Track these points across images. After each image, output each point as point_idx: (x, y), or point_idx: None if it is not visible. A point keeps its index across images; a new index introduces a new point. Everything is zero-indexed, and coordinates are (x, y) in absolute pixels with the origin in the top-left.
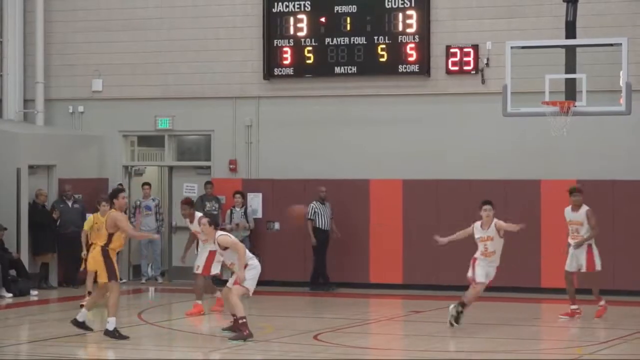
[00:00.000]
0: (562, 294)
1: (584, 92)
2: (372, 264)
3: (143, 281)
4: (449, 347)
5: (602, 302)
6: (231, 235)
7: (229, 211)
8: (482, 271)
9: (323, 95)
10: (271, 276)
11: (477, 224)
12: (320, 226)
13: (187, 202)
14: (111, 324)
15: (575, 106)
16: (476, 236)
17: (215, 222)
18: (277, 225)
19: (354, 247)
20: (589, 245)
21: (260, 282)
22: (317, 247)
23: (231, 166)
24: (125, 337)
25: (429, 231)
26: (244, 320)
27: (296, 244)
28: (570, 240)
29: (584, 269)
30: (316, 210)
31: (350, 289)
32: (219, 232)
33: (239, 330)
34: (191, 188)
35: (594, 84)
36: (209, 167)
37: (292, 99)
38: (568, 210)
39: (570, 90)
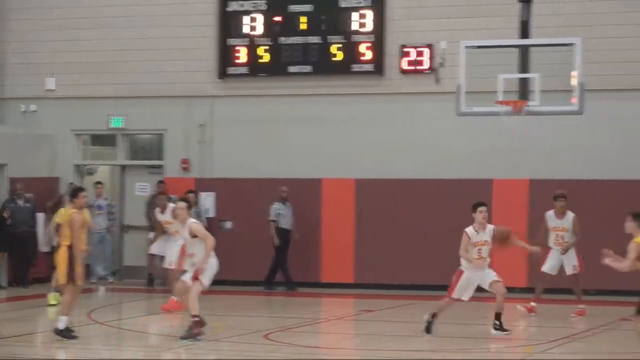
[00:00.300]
0: (511, 292)
1: (537, 92)
2: (324, 263)
3: (93, 280)
4: (400, 346)
5: (582, 305)
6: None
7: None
8: (464, 283)
9: (277, 94)
10: (223, 275)
11: (470, 229)
12: (283, 226)
13: (164, 193)
14: (62, 323)
15: (529, 106)
16: (472, 241)
17: (191, 207)
18: (229, 225)
19: (306, 246)
20: (576, 248)
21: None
22: (279, 247)
23: (184, 165)
24: (74, 337)
25: (381, 230)
26: (197, 319)
27: (248, 243)
28: (552, 245)
29: (577, 270)
30: (279, 211)
31: (302, 288)
32: (192, 219)
33: (190, 328)
34: (143, 187)
35: (548, 83)
36: (161, 167)
37: (246, 98)
38: (551, 215)
39: (524, 89)
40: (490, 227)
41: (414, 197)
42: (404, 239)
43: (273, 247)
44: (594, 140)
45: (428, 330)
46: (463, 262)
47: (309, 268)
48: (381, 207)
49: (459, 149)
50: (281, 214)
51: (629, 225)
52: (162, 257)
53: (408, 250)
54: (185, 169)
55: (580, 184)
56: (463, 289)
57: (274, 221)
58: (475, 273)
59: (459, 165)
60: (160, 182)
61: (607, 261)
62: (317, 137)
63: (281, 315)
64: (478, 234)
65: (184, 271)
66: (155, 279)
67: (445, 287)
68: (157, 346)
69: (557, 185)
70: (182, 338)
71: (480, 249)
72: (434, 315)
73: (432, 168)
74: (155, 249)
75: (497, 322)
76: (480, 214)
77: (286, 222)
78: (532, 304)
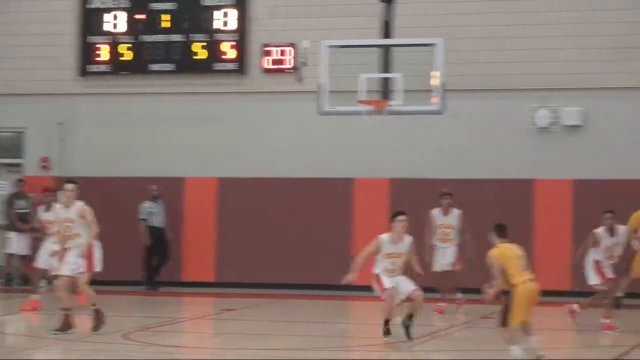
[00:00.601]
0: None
1: (399, 91)
2: (185, 262)
3: None
4: (259, 345)
5: (444, 304)
6: None
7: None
8: (388, 279)
9: (140, 92)
10: None
11: (386, 236)
12: (155, 224)
13: (50, 190)
14: None
15: (390, 105)
16: (385, 251)
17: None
18: None
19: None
20: (456, 246)
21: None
22: (152, 246)
23: (43, 164)
24: None
25: (243, 229)
26: (96, 307)
27: (111, 242)
28: (438, 242)
29: (453, 268)
30: (150, 209)
31: (162, 287)
32: (81, 202)
33: (96, 319)
34: (2, 186)
35: (410, 83)
36: (20, 165)
37: (108, 96)
38: (437, 213)
39: (386, 89)
40: (408, 239)
41: (277, 196)
42: (266, 237)
43: (143, 246)
44: (454, 140)
45: (387, 332)
46: (377, 266)
47: (170, 267)
48: (244, 206)
49: (321, 148)
50: (153, 212)
51: (491, 236)
52: (21, 257)
53: (270, 248)
54: (45, 168)
55: (440, 184)
56: (391, 280)
57: (143, 220)
58: (391, 278)
59: (321, 164)
60: (20, 180)
61: (489, 297)
62: (180, 135)
63: (141, 314)
64: (394, 245)
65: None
66: (14, 279)
67: (306, 286)
68: (13, 346)
69: (416, 184)
70: (95, 330)
71: (394, 261)
72: (387, 322)
73: (295, 167)
74: (45, 251)
75: (387, 327)
76: (399, 223)
77: (158, 220)
78: (441, 304)
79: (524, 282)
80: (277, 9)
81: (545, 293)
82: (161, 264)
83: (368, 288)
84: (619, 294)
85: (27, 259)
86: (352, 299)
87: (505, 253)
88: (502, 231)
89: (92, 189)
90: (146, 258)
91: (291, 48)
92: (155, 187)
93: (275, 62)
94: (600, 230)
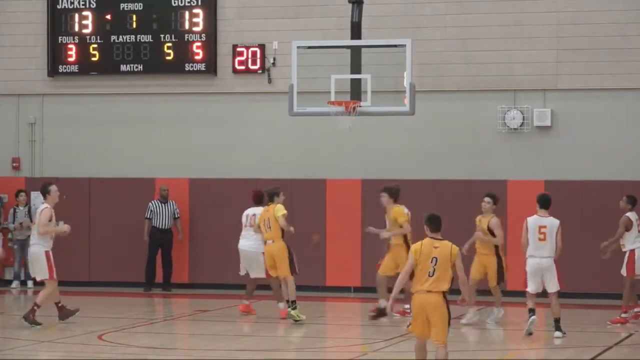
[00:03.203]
0: (346, 292)
1: (369, 92)
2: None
3: None
4: (234, 346)
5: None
6: None
7: (12, 210)
8: None
9: (109, 93)
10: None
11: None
12: (158, 225)
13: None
14: None
15: (360, 106)
16: None
17: None
18: (61, 224)
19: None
20: None
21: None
22: (151, 247)
23: (14, 164)
24: None
25: (213, 230)
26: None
27: (80, 243)
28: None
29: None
30: (152, 209)
31: (135, 288)
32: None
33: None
34: None
35: (379, 84)
36: None
37: (77, 97)
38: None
39: (356, 90)
40: None
41: (247, 197)
42: (237, 238)
43: (147, 245)
44: (425, 141)
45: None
46: None
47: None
48: (215, 207)
49: (291, 149)
50: (155, 212)
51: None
52: None
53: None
54: (16, 168)
55: (411, 184)
56: None
57: (148, 219)
58: None
59: (292, 165)
60: None
61: None
62: (150, 136)
63: (114, 315)
64: None
65: None
66: None
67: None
68: None
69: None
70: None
71: None
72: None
73: (267, 168)
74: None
75: None
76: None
77: (161, 222)
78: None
79: (418, 293)
80: (245, 10)
81: (516, 293)
82: (165, 265)
83: (342, 289)
84: None
85: None
86: (328, 300)
87: (424, 251)
88: (433, 223)
89: (62, 190)
90: (150, 258)
91: (259, 49)
92: (166, 187)
93: (244, 62)
94: None
